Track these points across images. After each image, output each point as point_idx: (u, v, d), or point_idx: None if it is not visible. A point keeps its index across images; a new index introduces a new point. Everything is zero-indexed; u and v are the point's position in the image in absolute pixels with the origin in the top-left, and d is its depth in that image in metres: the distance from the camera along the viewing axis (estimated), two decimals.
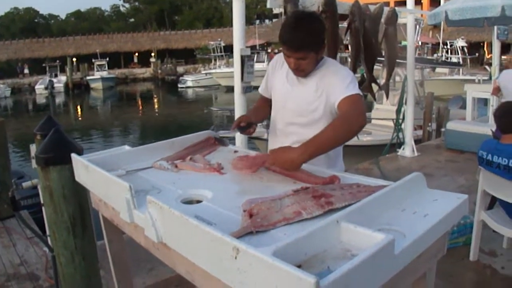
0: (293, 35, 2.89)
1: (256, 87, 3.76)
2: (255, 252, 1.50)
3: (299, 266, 1.50)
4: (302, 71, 3.06)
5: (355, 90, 2.95)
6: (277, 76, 3.36)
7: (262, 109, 3.60)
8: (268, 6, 6.29)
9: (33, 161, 3.87)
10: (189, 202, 2.43)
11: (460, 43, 43.24)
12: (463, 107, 13.20)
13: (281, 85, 3.29)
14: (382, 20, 7.84)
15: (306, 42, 2.89)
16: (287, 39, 2.92)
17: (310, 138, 2.74)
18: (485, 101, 11.72)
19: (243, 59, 6.00)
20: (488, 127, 8.83)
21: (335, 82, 3.00)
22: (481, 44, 49.50)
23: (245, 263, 1.55)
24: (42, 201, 3.84)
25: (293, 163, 2.65)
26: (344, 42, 7.76)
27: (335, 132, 2.79)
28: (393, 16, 8.02)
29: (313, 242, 1.68)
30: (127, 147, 3.35)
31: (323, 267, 1.60)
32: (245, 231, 1.88)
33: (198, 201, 2.41)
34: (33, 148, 4.92)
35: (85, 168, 2.89)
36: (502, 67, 8.36)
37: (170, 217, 1.96)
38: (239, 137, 5.86)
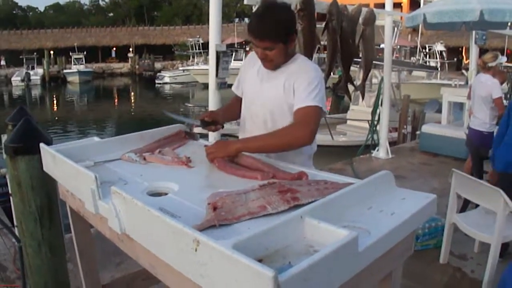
0: (259, 24, 2.85)
1: (231, 85, 3.72)
2: (215, 244, 1.48)
3: (260, 261, 1.48)
4: (270, 62, 3.00)
5: (315, 100, 2.88)
6: (248, 73, 3.31)
7: (232, 108, 3.58)
8: (246, 2, 6.26)
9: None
10: (155, 194, 2.40)
11: (439, 47, 43.59)
12: (439, 111, 13.29)
13: (252, 82, 3.25)
14: (360, 20, 7.84)
15: (272, 31, 2.84)
16: (253, 27, 2.88)
17: (254, 136, 2.86)
18: (461, 106, 11.77)
19: (218, 54, 5.98)
20: (463, 131, 8.91)
21: (301, 83, 2.94)
22: (460, 49, 49.94)
23: (205, 256, 1.52)
24: (10, 191, 3.80)
25: (227, 147, 2.75)
26: (322, 42, 7.76)
27: (277, 140, 2.83)
28: (371, 17, 8.02)
29: (275, 237, 1.66)
30: (96, 139, 3.31)
31: (284, 262, 1.58)
32: (208, 224, 1.86)
33: (165, 194, 2.39)
34: (4, 138, 4.87)
35: (52, 158, 2.85)
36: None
37: (133, 208, 1.93)
38: (213, 133, 5.84)
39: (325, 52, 7.89)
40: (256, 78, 3.21)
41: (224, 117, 3.43)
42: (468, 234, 4.77)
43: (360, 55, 8.35)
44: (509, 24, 9.31)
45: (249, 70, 3.32)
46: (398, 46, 33.23)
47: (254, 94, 3.22)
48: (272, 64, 3.03)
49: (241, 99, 3.48)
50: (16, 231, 3.96)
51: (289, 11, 3.00)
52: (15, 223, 4.11)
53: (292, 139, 2.80)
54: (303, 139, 2.82)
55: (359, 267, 1.70)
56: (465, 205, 5.64)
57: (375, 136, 11.30)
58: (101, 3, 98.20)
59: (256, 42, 2.92)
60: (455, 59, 49.03)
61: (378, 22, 8.83)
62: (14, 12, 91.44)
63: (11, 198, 3.88)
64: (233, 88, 3.57)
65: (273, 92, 3.07)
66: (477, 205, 5.19)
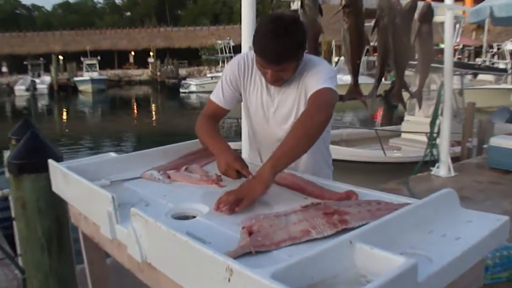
0: (274, 48, 2.79)
1: None
2: (251, 273, 1.48)
3: None
4: (280, 81, 3.02)
5: (324, 84, 2.90)
6: (250, 86, 3.27)
7: (218, 129, 3.37)
8: None
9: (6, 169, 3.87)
10: (181, 217, 2.42)
11: (509, 46, 43.00)
12: (510, 120, 13.11)
13: (260, 99, 3.24)
14: (416, 17, 7.79)
15: (289, 54, 2.83)
16: (266, 51, 2.84)
17: (275, 152, 2.66)
18: None
19: None
20: None
21: (310, 80, 2.98)
22: None
23: (239, 286, 1.52)
24: (13, 215, 3.83)
25: (261, 181, 2.55)
26: (371, 43, 7.72)
27: (298, 137, 2.71)
28: (428, 12, 7.95)
29: (321, 265, 1.66)
30: (113, 154, 3.35)
31: None
32: (242, 250, 1.87)
33: (193, 217, 2.40)
34: (7, 155, 4.93)
35: (63, 177, 2.88)
36: None
37: (156, 232, 1.94)
38: (246, 148, 5.84)
39: (375, 54, 7.86)
40: (263, 94, 3.22)
41: None
42: None
43: (416, 57, 8.30)
44: None
45: (249, 83, 3.27)
46: (461, 46, 32.97)
47: (268, 112, 3.23)
48: (282, 82, 3.05)
49: (225, 111, 3.39)
50: (19, 261, 4.00)
51: (300, 24, 2.95)
52: (18, 252, 4.15)
53: (310, 125, 2.73)
54: (319, 118, 2.76)
55: None
56: None
57: (434, 151, 11.20)
58: (116, 1, 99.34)
59: (269, 66, 2.89)
60: None
61: (436, 18, 8.76)
62: (17, 11, 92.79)
63: (14, 223, 3.92)
64: (215, 98, 3.37)
65: (288, 107, 3.13)
66: None
